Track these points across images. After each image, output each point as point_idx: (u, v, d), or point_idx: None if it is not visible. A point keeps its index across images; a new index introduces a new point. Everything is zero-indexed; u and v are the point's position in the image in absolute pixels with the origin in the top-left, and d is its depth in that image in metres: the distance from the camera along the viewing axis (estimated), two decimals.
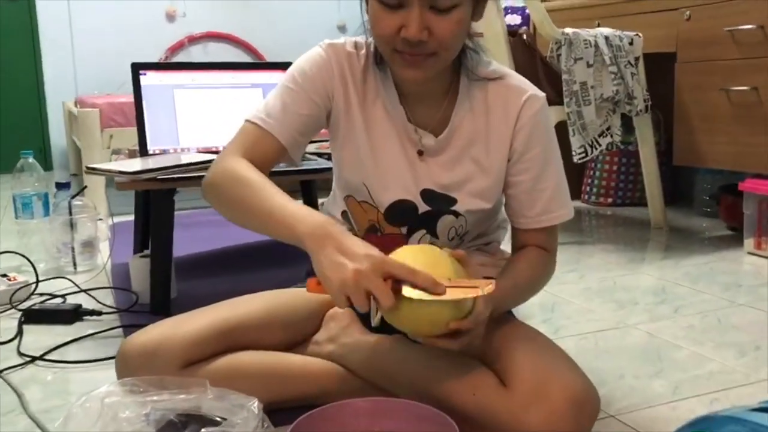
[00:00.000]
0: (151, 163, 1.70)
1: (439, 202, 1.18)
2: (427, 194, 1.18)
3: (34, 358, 1.47)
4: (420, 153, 1.17)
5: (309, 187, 2.12)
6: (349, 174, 1.21)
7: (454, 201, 1.18)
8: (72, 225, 2.13)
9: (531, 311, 1.71)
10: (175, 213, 1.72)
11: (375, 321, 1.26)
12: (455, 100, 1.16)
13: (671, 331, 1.58)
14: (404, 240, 1.21)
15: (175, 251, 1.84)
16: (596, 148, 2.29)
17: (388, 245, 1.22)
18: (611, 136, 2.32)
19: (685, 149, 2.47)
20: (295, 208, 0.99)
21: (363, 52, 1.18)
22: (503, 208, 1.27)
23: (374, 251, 0.92)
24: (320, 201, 1.35)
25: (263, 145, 1.13)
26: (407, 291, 0.93)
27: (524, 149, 1.15)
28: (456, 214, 1.19)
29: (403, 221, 1.20)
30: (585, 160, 2.30)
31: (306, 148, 1.22)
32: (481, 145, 1.16)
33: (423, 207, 1.18)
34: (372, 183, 1.19)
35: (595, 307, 1.76)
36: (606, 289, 1.90)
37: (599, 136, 2.30)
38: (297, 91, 1.16)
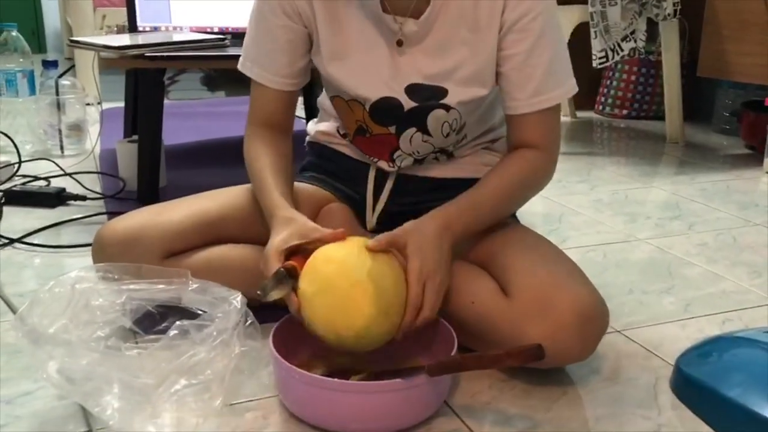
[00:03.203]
0: (140, 39, 1.58)
1: (428, 95, 1.06)
2: (413, 89, 1.06)
3: (12, 240, 1.40)
4: (399, 43, 1.04)
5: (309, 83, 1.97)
6: (328, 77, 1.10)
7: (444, 92, 1.06)
8: (59, 106, 2.02)
9: (534, 221, 1.63)
10: (170, 102, 1.62)
11: (371, 224, 1.18)
12: None
13: (684, 247, 1.50)
14: (395, 139, 1.10)
15: (167, 140, 1.75)
16: (618, 53, 2.15)
17: (378, 146, 1.12)
18: (635, 41, 2.17)
19: (712, 59, 2.32)
20: (277, 204, 1.01)
21: None
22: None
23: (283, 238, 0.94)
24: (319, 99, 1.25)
25: (267, 100, 1.11)
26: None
27: (517, 17, 1.00)
28: (446, 107, 1.07)
29: (390, 120, 1.09)
30: (605, 65, 2.16)
31: (309, 65, 1.12)
32: (469, 21, 1.02)
33: (409, 103, 1.06)
34: (350, 85, 1.07)
35: (605, 219, 1.68)
36: (617, 201, 1.82)
37: (622, 40, 2.15)
38: (265, 23, 1.07)
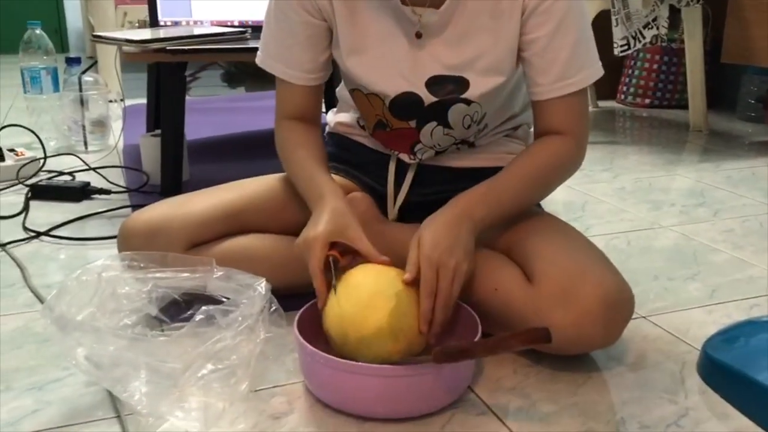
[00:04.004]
0: (161, 33, 1.59)
1: (449, 88, 1.04)
2: (434, 81, 1.04)
3: (39, 234, 1.42)
4: (418, 36, 1.02)
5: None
6: (347, 71, 1.09)
7: (465, 83, 1.04)
8: (82, 102, 2.04)
9: (557, 209, 1.62)
10: (191, 99, 1.63)
11: (392, 215, 1.18)
12: None
13: (709, 234, 1.48)
14: (416, 133, 1.09)
15: (189, 135, 1.77)
16: (640, 41, 2.13)
17: (399, 139, 1.12)
18: (657, 28, 2.15)
19: (737, 45, 2.29)
20: (327, 187, 1.02)
21: None
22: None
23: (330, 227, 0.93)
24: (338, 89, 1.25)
25: (293, 95, 1.12)
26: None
27: (539, 0, 0.98)
28: (467, 101, 1.05)
29: (410, 115, 1.08)
30: (626, 53, 2.14)
31: (331, 58, 1.11)
32: (491, 7, 1.00)
33: (429, 98, 1.05)
34: (369, 81, 1.06)
35: (629, 207, 1.66)
36: (640, 189, 1.80)
37: (644, 27, 2.13)
38: (286, 19, 1.06)
